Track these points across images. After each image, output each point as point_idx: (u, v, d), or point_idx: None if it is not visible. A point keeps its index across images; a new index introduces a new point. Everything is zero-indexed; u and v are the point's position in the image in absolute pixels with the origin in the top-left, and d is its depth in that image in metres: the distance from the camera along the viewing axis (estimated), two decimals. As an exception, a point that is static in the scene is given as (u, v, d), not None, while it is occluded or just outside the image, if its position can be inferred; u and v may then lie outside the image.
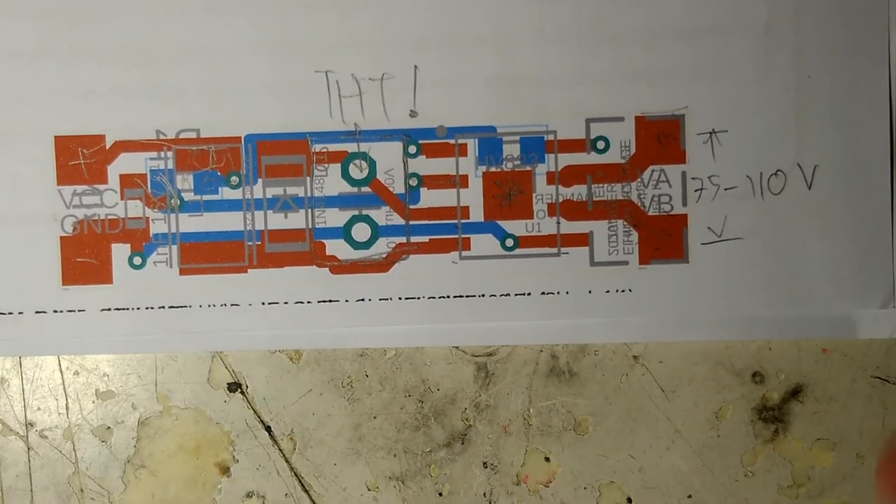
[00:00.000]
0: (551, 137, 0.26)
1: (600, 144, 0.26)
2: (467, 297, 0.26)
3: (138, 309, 0.26)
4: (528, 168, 0.26)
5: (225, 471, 0.26)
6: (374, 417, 0.26)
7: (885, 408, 0.27)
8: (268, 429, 0.26)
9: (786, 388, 0.27)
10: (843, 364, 0.27)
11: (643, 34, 0.26)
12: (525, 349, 0.26)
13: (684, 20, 0.26)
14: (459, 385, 0.27)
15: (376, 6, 0.25)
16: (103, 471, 0.26)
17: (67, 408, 0.26)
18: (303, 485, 0.26)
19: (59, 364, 0.26)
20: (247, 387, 0.26)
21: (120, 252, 0.26)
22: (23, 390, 0.26)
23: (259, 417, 0.26)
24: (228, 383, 0.26)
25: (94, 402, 0.26)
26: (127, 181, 0.25)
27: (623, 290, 0.26)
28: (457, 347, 0.26)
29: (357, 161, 0.26)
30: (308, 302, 0.26)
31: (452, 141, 0.26)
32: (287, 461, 0.26)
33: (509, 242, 0.26)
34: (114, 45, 0.25)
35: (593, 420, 0.27)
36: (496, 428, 0.27)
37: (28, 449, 0.26)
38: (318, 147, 0.26)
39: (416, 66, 0.26)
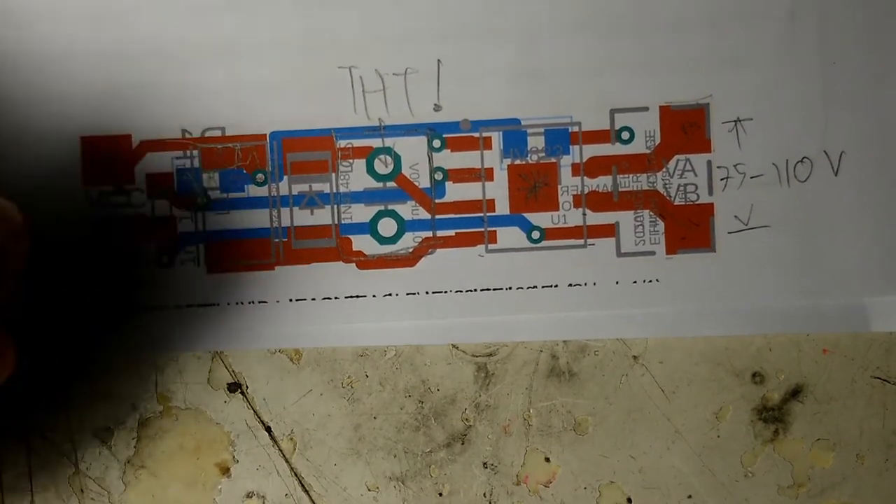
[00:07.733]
0: (576, 129, 0.26)
1: (625, 135, 0.26)
2: (494, 290, 0.26)
3: (167, 308, 0.26)
4: (553, 160, 0.26)
5: (225, 471, 0.26)
6: (375, 418, 0.26)
7: (885, 408, 0.27)
8: (268, 429, 0.26)
9: (786, 389, 0.27)
10: (843, 364, 0.26)
11: (666, 23, 0.26)
12: (525, 349, 0.26)
13: (707, 8, 0.26)
14: (459, 385, 0.26)
15: (399, 1, 0.25)
16: (103, 471, 0.26)
17: (68, 408, 0.26)
18: (303, 485, 0.26)
19: (60, 363, 0.26)
20: (247, 387, 0.26)
21: (148, 252, 0.26)
22: (24, 390, 0.26)
23: (259, 418, 0.26)
24: (228, 384, 0.26)
25: (94, 402, 0.26)
26: (153, 181, 0.26)
27: (650, 281, 0.26)
28: (456, 347, 0.26)
29: (382, 156, 0.26)
30: (335, 298, 0.26)
31: (477, 134, 0.26)
32: (287, 461, 0.26)
33: (535, 235, 0.26)
34: (138, 45, 0.25)
35: (593, 420, 0.27)
36: (496, 428, 0.27)
37: (28, 449, 0.26)
38: (342, 143, 0.26)
39: (439, 61, 0.26)
